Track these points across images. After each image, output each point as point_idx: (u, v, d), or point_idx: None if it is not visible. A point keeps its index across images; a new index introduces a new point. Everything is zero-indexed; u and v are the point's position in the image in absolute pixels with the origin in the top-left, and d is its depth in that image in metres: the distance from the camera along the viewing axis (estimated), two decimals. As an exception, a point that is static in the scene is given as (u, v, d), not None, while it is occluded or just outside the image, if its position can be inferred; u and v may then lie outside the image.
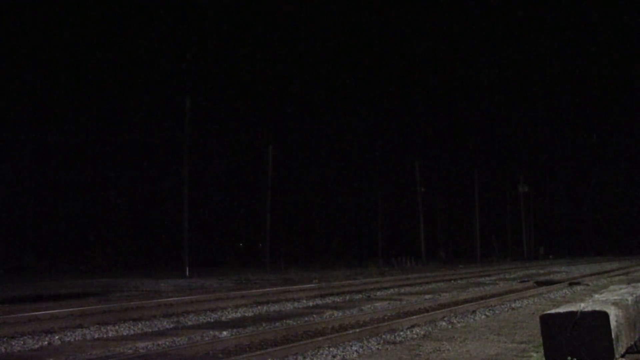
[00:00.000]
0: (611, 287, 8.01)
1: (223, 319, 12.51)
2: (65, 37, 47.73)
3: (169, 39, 55.23)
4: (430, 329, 10.54)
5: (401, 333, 9.97)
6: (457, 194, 66.73)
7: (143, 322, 11.72)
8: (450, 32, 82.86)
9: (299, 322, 11.73)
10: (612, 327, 5.40)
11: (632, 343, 6.34)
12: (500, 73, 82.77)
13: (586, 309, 5.48)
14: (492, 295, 16.79)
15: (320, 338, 9.08)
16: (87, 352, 8.67)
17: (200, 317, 12.60)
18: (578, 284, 21.01)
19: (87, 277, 27.49)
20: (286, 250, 52.55)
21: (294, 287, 19.78)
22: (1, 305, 14.38)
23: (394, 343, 9.07)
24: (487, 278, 26.37)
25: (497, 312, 13.04)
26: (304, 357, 8.00)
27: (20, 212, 42.22)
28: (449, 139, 69.25)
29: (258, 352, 7.99)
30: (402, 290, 19.73)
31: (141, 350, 8.81)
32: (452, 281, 24.20)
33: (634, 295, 6.67)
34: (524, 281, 23.34)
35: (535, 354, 7.73)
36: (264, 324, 11.47)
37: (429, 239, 57.25)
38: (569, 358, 5.37)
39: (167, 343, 9.46)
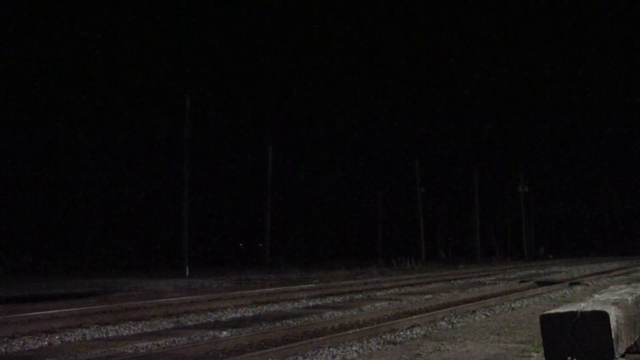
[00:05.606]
0: (611, 287, 8.00)
1: (223, 319, 12.51)
2: (67, 37, 47.72)
3: (169, 39, 55.25)
4: (430, 329, 10.53)
5: (401, 333, 9.96)
6: (457, 193, 66.75)
7: (143, 322, 11.72)
8: (451, 32, 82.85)
9: (299, 322, 11.72)
10: (612, 327, 5.39)
11: (632, 343, 6.34)
12: (500, 73, 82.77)
13: (586, 309, 5.47)
14: (492, 295, 16.79)
15: (320, 338, 9.07)
16: (87, 352, 8.67)
17: (200, 317, 12.59)
18: (578, 284, 21.00)
19: (87, 277, 27.48)
20: (286, 250, 52.58)
21: (294, 287, 19.77)
22: (1, 305, 14.38)
23: (394, 343, 9.07)
24: (487, 278, 26.36)
25: (497, 312, 13.03)
26: (304, 357, 7.99)
27: (20, 212, 42.21)
28: (449, 139, 69.30)
29: (258, 352, 7.98)
30: (402, 290, 19.72)
31: (141, 350, 8.80)
32: (452, 281, 24.19)
33: (634, 295, 6.67)
34: (524, 281, 23.32)
35: (535, 354, 7.73)
36: (264, 324, 11.47)
37: (429, 239, 57.26)
38: (569, 358, 5.37)
39: (167, 343, 9.45)
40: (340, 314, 13.13)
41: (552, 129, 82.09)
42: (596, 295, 6.87)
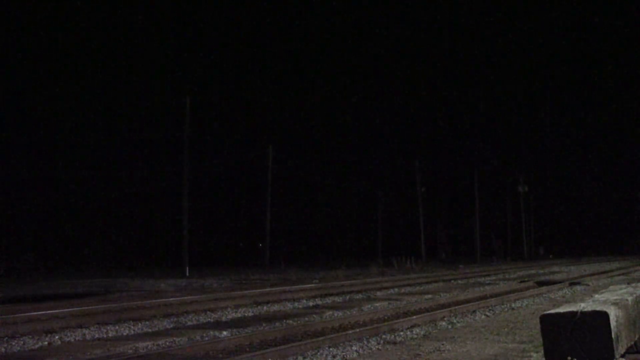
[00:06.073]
0: (611, 287, 8.00)
1: (223, 319, 12.51)
2: (67, 37, 47.73)
3: (169, 39, 55.24)
4: (430, 329, 10.53)
5: (401, 333, 9.96)
6: (457, 193, 66.75)
7: (143, 322, 11.72)
8: (451, 33, 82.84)
9: (299, 322, 11.72)
10: (612, 327, 5.39)
11: (632, 343, 6.33)
12: (500, 73, 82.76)
13: (586, 309, 5.47)
14: (492, 295, 16.79)
15: (320, 338, 9.07)
16: (87, 352, 8.67)
17: (200, 317, 12.59)
18: (578, 284, 21.00)
19: (87, 277, 27.48)
20: (286, 250, 52.56)
21: (294, 287, 19.77)
22: (1, 305, 14.37)
23: (394, 343, 9.07)
24: (487, 278, 26.36)
25: (497, 312, 13.04)
26: (304, 357, 7.99)
27: (20, 212, 42.21)
28: (449, 139, 69.33)
29: (258, 352, 7.98)
30: (402, 290, 19.72)
31: (141, 350, 8.80)
32: (452, 281, 24.18)
33: (634, 295, 6.67)
34: (524, 281, 23.32)
35: (535, 354, 7.73)
36: (264, 324, 11.47)
37: (429, 239, 57.24)
38: (569, 358, 5.37)
39: (167, 343, 9.45)
40: (340, 314, 13.13)
41: (552, 129, 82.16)
42: (596, 295, 6.87)
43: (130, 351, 8.77)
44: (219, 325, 11.42)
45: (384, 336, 9.62)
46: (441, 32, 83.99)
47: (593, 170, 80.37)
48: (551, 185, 78.27)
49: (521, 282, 23.01)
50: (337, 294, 17.88)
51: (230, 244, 54.21)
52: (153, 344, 9.36)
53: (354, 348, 8.62)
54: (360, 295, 17.67)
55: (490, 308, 13.68)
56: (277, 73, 64.35)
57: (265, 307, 14.43)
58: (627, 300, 6.29)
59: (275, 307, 14.50)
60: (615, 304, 5.88)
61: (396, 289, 19.89)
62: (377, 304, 15.12)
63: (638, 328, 6.51)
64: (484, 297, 16.25)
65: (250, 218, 51.91)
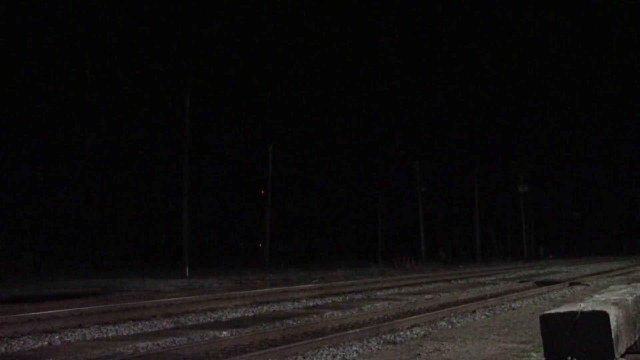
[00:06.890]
0: (611, 287, 8.00)
1: (223, 319, 12.52)
2: (66, 37, 47.71)
3: (168, 38, 55.22)
4: (430, 329, 10.54)
5: (401, 333, 9.97)
6: (457, 193, 66.72)
7: (143, 322, 11.73)
8: (450, 32, 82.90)
9: (299, 322, 11.73)
10: (612, 327, 5.39)
11: (632, 343, 6.34)
12: (500, 73, 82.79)
13: (586, 309, 5.47)
14: (492, 295, 16.79)
15: (320, 338, 9.07)
16: (87, 352, 8.67)
17: (200, 317, 12.60)
18: (578, 284, 21.01)
19: (87, 277, 27.48)
20: (286, 250, 52.60)
21: (294, 287, 19.77)
22: (1, 305, 14.37)
23: (394, 343, 9.07)
24: (487, 278, 26.37)
25: (497, 312, 13.04)
26: (304, 357, 7.99)
27: (20, 212, 42.22)
28: (449, 139, 69.23)
29: (258, 352, 7.98)
30: (402, 290, 19.73)
31: (141, 350, 8.80)
32: (452, 281, 24.19)
33: (634, 295, 6.67)
34: (524, 281, 23.33)
35: (535, 354, 7.73)
36: (264, 324, 11.47)
37: (429, 239, 57.23)
38: (569, 358, 5.37)
39: (167, 343, 9.45)
40: (340, 314, 13.13)
41: (552, 129, 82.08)
42: (596, 295, 6.87)
43: (130, 351, 8.77)
44: (219, 325, 11.42)
45: (384, 336, 9.62)
46: (440, 31, 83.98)
47: (593, 170, 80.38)
48: (551, 185, 78.26)
49: (521, 282, 23.02)
50: (337, 294, 17.89)
51: (230, 244, 54.22)
52: (153, 344, 9.36)
53: (354, 348, 8.62)
54: (360, 295, 17.67)
55: (490, 308, 13.69)
56: (278, 72, 64.32)
57: (265, 307, 14.44)
58: (627, 300, 6.29)
59: (275, 307, 14.51)
60: (615, 304, 5.88)
61: (396, 289, 19.89)
62: (377, 304, 15.13)
63: (638, 328, 6.51)
64: (484, 297, 16.25)
65: (250, 218, 51.92)
